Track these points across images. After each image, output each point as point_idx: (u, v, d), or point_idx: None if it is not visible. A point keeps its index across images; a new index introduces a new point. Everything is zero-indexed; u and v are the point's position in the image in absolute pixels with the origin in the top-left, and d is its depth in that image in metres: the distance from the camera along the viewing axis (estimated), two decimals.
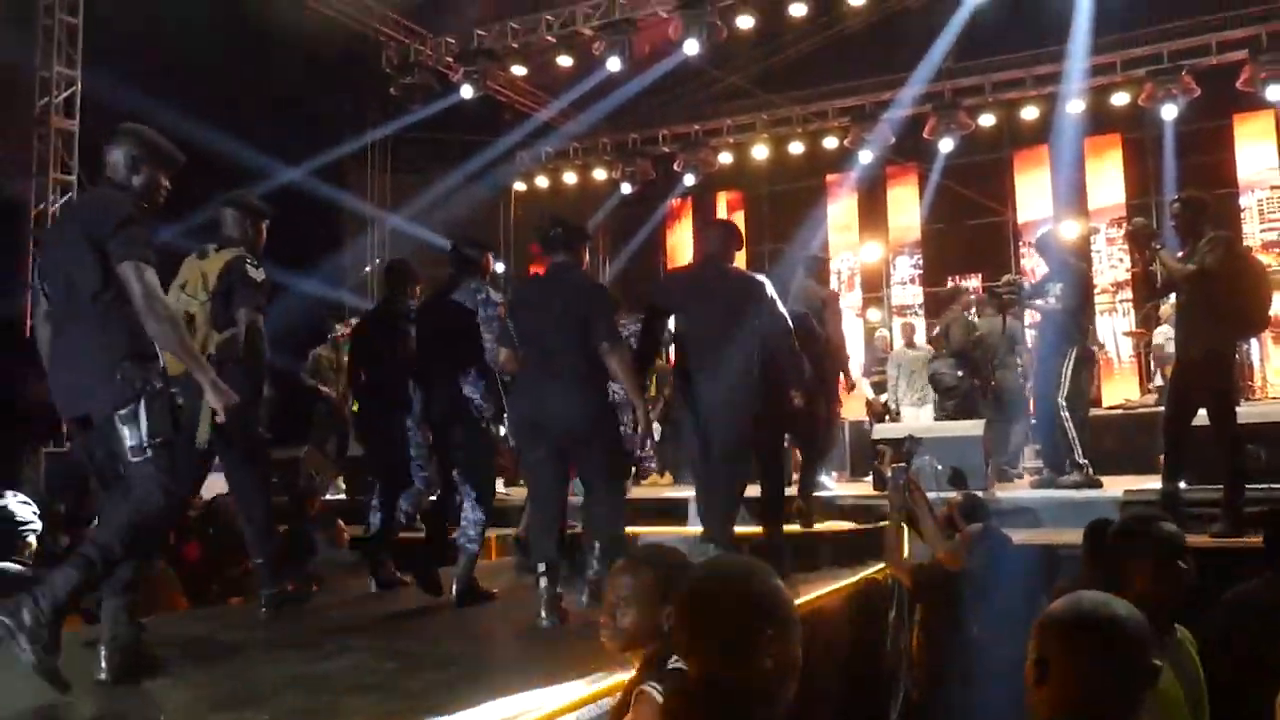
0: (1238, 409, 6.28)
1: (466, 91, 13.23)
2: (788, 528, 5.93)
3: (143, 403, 3.37)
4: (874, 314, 15.11)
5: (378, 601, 5.20)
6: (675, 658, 2.16)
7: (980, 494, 6.24)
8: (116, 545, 3.27)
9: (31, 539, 4.44)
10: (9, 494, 4.52)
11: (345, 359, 10.20)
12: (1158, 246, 6.30)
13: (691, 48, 11.99)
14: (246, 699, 3.10)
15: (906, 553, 4.90)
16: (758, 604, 1.75)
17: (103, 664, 3.33)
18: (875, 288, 15.44)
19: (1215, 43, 12.78)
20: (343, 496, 9.62)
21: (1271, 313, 6.44)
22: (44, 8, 11.70)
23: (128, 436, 3.35)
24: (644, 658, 2.26)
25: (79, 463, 3.84)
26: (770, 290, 5.19)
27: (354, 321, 10.70)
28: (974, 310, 10.03)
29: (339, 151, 14.20)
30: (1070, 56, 12.22)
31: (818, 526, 6.56)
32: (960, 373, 9.37)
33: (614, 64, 12.47)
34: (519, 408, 4.77)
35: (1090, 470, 7.39)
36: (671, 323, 5.48)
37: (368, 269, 14.88)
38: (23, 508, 4.46)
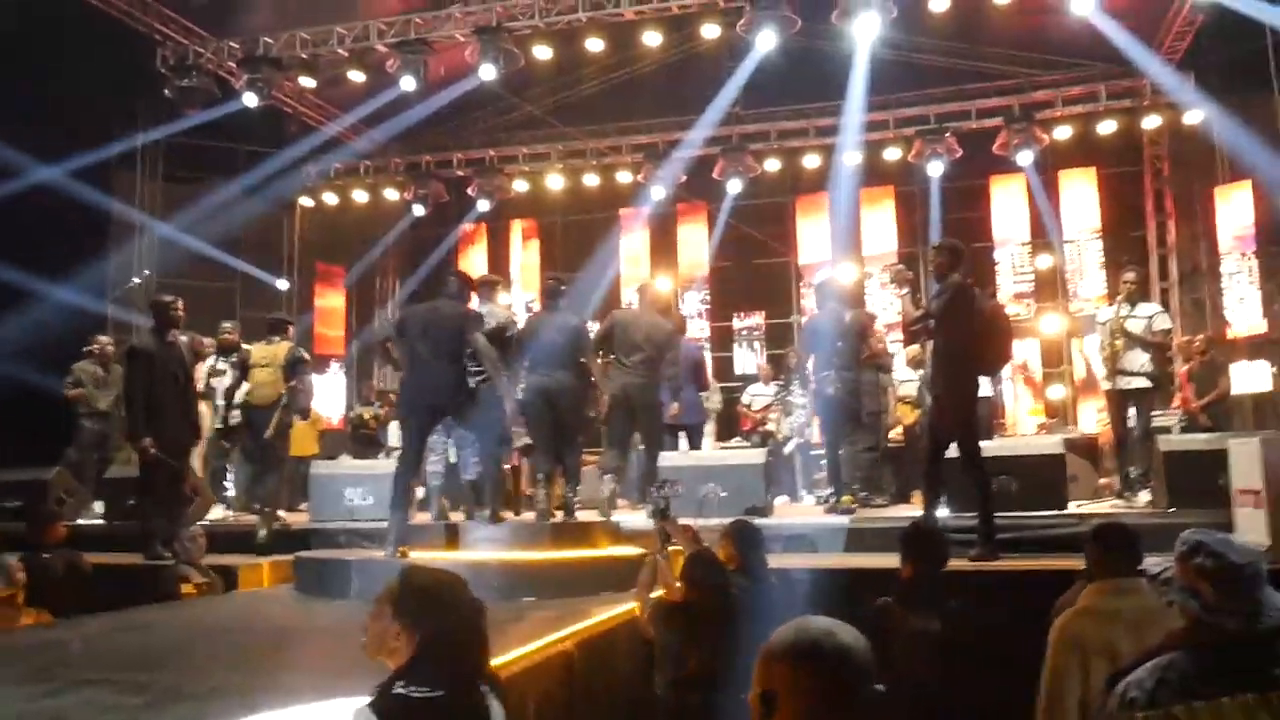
0: (985, 444, 6.76)
1: (249, 100, 12.56)
2: None
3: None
4: None
5: (140, 633, 4.78)
6: (403, 682, 2.23)
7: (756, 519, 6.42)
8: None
9: None
10: None
11: (105, 374, 9.54)
12: (902, 293, 6.79)
13: (488, 73, 11.93)
14: None
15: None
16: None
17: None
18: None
19: (975, 109, 13.96)
20: (100, 521, 8.86)
21: (1016, 357, 7.02)
22: None
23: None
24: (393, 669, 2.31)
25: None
26: None
27: (101, 339, 9.94)
28: None
29: (105, 153, 13.22)
30: (846, 111, 12.95)
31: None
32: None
33: (408, 83, 12.22)
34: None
35: (840, 498, 7.87)
36: None
37: (136, 280, 13.86)
38: None
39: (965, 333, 6.31)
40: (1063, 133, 13.75)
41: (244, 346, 8.79)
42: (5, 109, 10.70)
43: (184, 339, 7.63)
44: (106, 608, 4.87)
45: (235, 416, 8.74)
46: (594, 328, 8.08)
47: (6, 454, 9.76)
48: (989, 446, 7.01)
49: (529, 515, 7.42)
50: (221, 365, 8.98)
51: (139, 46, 12.97)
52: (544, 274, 8.22)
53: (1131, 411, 7.93)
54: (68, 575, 5.91)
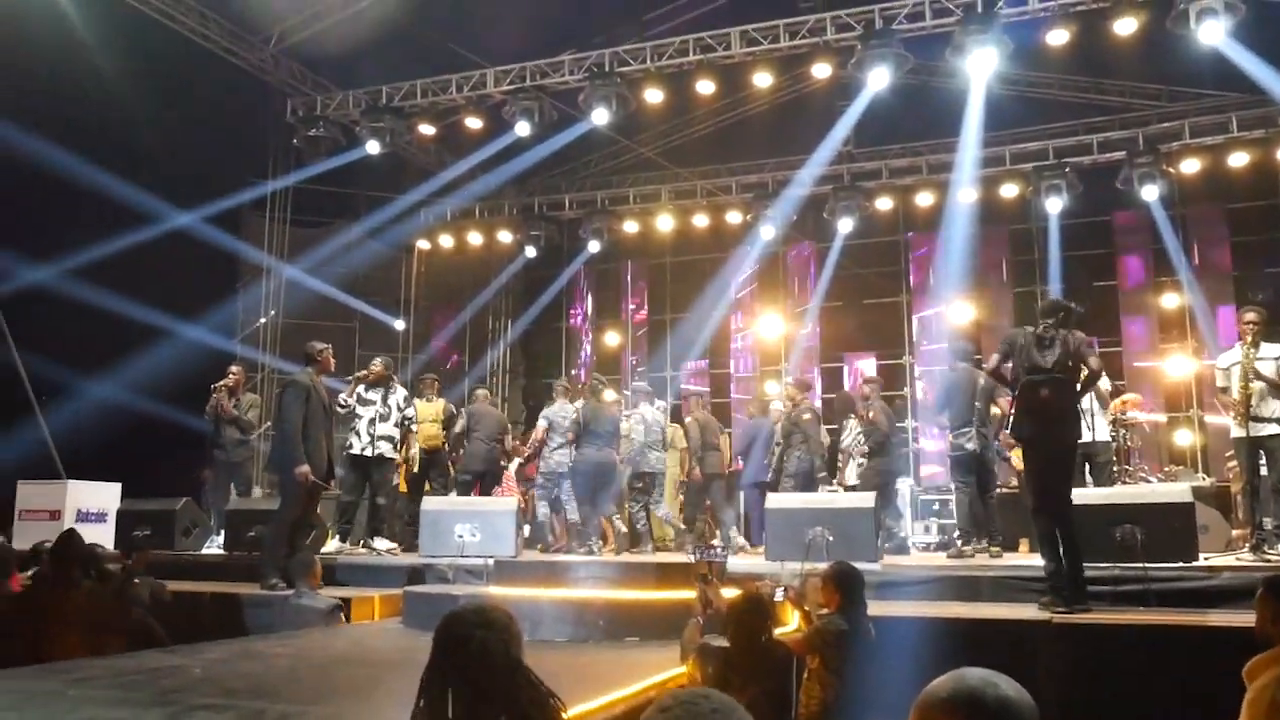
0: (1110, 490, 6.51)
1: (372, 147, 13.06)
2: None
3: None
4: (771, 386, 15.31)
5: (256, 661, 4.94)
6: None
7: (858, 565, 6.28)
8: None
9: None
10: None
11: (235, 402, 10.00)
12: None
13: (600, 117, 12.13)
14: None
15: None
16: None
17: None
18: (773, 361, 15.68)
19: (1097, 143, 13.53)
20: (219, 551, 9.18)
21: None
22: None
23: None
24: None
25: None
26: None
27: (234, 369, 10.37)
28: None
29: (237, 199, 13.92)
30: (961, 148, 12.70)
31: None
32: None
33: (523, 129, 12.51)
34: None
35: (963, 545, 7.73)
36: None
37: (263, 320, 14.47)
38: None
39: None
40: (1190, 166, 13.19)
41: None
42: (146, 160, 11.36)
43: None
44: (221, 636, 5.03)
45: (375, 448, 9.35)
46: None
47: (140, 485, 10.27)
48: (1114, 493, 6.75)
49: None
50: (371, 396, 9.43)
51: (270, 100, 13.71)
52: (590, 376, 10.45)
53: (1264, 460, 7.51)
54: (152, 601, 6.12)
